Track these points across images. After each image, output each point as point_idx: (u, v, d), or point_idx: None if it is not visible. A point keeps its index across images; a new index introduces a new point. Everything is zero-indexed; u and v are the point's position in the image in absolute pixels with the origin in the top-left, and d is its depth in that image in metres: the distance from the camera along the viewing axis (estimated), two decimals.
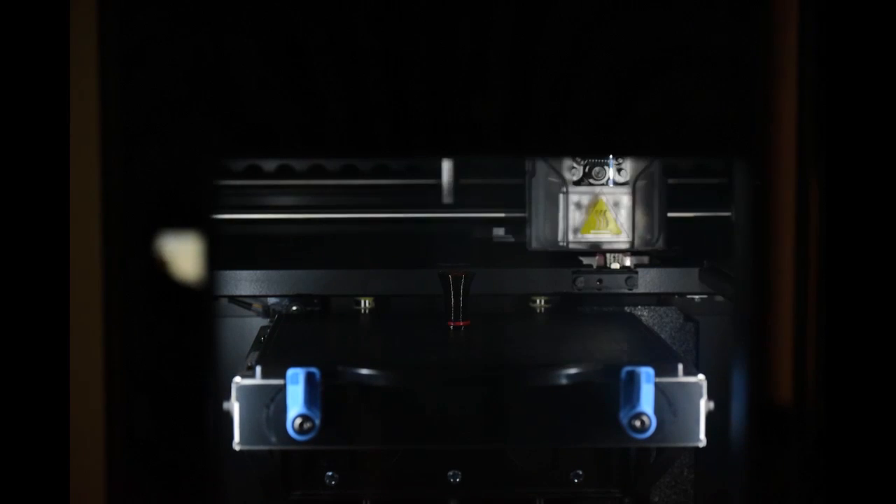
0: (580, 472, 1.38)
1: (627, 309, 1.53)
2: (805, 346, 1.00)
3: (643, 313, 1.53)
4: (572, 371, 1.16)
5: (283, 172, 1.65)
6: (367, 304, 1.50)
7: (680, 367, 1.16)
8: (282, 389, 1.13)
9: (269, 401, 1.14)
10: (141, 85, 0.98)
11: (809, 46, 0.98)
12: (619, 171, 1.47)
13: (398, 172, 1.66)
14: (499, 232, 1.57)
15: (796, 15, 0.99)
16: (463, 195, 1.63)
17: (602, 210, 1.47)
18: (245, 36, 0.99)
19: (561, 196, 1.48)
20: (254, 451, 1.17)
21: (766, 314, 1.01)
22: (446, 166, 1.63)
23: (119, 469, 0.99)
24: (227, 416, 1.14)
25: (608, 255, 1.50)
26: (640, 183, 1.48)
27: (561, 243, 1.48)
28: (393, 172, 1.66)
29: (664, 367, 1.16)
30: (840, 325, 0.99)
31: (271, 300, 1.53)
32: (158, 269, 0.98)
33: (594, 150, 1.26)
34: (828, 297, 0.99)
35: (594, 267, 1.51)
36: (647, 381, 1.13)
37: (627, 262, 1.51)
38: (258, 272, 1.51)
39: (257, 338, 1.40)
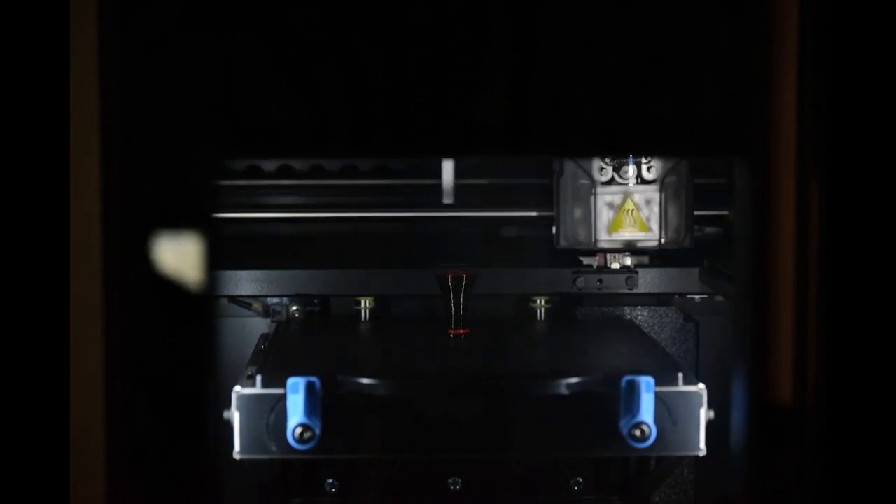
0: (580, 480, 1.38)
1: (627, 309, 1.53)
2: (805, 347, 1.00)
3: (643, 313, 1.52)
4: (572, 381, 1.16)
5: (283, 172, 1.65)
6: (367, 304, 1.50)
7: (680, 376, 1.16)
8: (282, 399, 1.13)
9: (270, 410, 1.14)
10: (141, 85, 0.98)
11: (809, 46, 0.98)
12: (647, 168, 1.46)
13: (398, 172, 1.66)
14: (509, 230, 1.56)
15: (796, 15, 0.99)
16: (464, 195, 1.63)
17: (629, 209, 1.46)
18: (245, 36, 0.99)
19: (591, 195, 1.47)
20: (254, 459, 1.17)
21: (766, 314, 1.01)
22: (447, 166, 1.63)
23: (119, 471, 0.99)
24: (228, 423, 1.14)
25: (608, 254, 1.50)
26: (669, 180, 1.47)
27: (584, 241, 1.48)
28: (393, 172, 1.66)
29: (664, 377, 1.16)
30: (840, 326, 0.99)
31: (271, 300, 1.52)
32: (158, 269, 0.99)
33: (594, 150, 1.26)
34: (828, 298, 0.99)
35: (594, 267, 1.51)
36: (647, 391, 1.13)
37: (627, 261, 1.51)
38: (258, 272, 1.51)
39: (257, 346, 1.40)
